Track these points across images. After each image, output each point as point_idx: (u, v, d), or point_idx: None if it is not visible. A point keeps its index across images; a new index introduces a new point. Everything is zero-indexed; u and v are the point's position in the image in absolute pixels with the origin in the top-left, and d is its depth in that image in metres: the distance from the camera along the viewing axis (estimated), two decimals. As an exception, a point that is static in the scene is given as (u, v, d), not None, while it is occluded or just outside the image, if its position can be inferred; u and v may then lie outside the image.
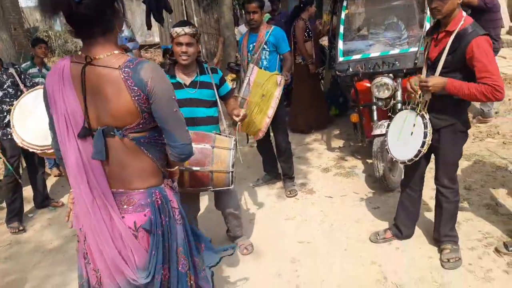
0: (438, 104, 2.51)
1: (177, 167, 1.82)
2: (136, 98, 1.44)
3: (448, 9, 2.36)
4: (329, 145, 5.19)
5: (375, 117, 3.90)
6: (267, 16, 6.38)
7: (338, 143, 5.20)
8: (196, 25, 13.56)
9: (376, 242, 3.01)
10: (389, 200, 3.61)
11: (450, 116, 2.52)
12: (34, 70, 4.52)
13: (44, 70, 4.65)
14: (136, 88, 1.43)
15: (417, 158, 2.56)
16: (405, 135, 2.65)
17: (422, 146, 2.51)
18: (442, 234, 2.79)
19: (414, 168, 2.79)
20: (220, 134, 2.59)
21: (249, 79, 3.31)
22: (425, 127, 2.50)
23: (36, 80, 4.17)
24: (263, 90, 3.38)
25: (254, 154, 4.61)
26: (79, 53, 1.50)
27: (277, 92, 3.41)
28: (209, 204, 3.62)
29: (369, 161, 4.43)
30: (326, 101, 5.93)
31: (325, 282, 2.65)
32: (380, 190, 3.79)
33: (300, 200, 3.80)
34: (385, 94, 3.77)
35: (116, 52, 1.48)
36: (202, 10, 13.31)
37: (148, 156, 1.57)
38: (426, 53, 2.64)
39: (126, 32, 6.61)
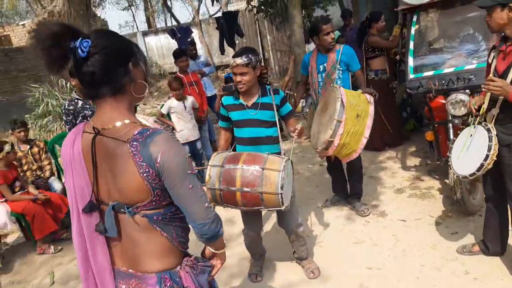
0: (506, 119, 2.44)
1: (222, 250, 1.57)
2: (145, 175, 1.29)
3: (497, 23, 2.41)
4: (404, 163, 4.98)
5: (451, 135, 3.69)
6: (337, 33, 6.36)
7: (414, 161, 4.98)
8: (269, 43, 13.93)
9: (462, 254, 3.00)
10: (468, 225, 3.38)
11: None
12: None
13: None
14: (144, 164, 1.27)
15: (479, 172, 2.48)
16: (470, 149, 2.60)
17: (486, 159, 2.43)
18: None
19: (490, 184, 2.75)
20: (274, 154, 2.64)
21: (341, 100, 3.17)
22: (490, 140, 2.43)
23: None
24: (357, 110, 3.26)
25: (323, 173, 4.59)
26: (91, 120, 1.39)
27: (372, 111, 3.33)
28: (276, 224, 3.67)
29: (448, 181, 4.18)
30: (401, 116, 5.73)
31: (395, 312, 2.56)
32: (458, 213, 3.56)
33: (371, 223, 3.70)
34: (461, 111, 3.56)
35: (126, 121, 1.33)
36: (274, 28, 13.66)
37: (163, 235, 1.39)
38: (493, 66, 2.56)
39: (202, 58, 7.00)
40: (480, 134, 2.55)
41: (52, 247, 4.16)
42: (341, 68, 3.73)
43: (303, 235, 3.05)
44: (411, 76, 3.92)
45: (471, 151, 2.60)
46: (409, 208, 3.84)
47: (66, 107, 3.98)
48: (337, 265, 3.13)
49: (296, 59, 9.03)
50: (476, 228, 3.30)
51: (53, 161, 4.87)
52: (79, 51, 1.25)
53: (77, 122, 3.99)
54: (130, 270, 1.41)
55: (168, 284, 1.39)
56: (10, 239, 4.59)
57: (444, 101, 3.74)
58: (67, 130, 4.04)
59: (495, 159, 2.47)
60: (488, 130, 2.48)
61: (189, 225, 1.44)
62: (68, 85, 9.57)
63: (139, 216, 1.36)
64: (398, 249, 3.23)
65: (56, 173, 4.94)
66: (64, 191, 4.70)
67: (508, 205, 2.71)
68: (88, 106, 4.01)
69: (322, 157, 3.96)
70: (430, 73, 3.84)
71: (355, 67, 3.77)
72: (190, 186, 1.34)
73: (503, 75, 2.43)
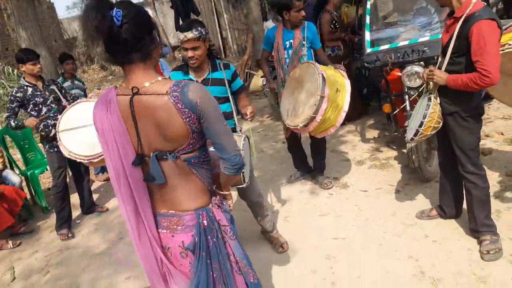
0: (448, 90, 2.58)
1: (229, 192, 1.83)
2: (188, 119, 1.48)
3: None
4: (363, 136, 5.12)
5: (408, 107, 3.81)
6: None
7: (372, 133, 5.13)
8: (226, 22, 13.64)
9: (420, 219, 3.15)
10: (426, 191, 3.53)
11: (459, 101, 2.60)
12: (67, 84, 4.78)
13: (76, 82, 4.89)
14: (186, 110, 1.47)
15: (416, 137, 2.68)
16: (416, 117, 2.78)
17: (421, 126, 2.62)
18: (479, 224, 2.73)
19: (443, 151, 2.93)
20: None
21: (322, 75, 3.17)
22: (427, 108, 2.61)
23: (72, 92, 4.43)
24: (336, 85, 3.29)
25: (287, 150, 4.64)
26: (123, 84, 1.54)
27: (348, 84, 3.38)
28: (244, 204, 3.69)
29: (405, 151, 4.34)
30: (358, 92, 5.84)
31: (361, 278, 2.66)
32: (416, 181, 3.72)
33: (334, 195, 3.80)
34: (417, 83, 3.67)
35: (159, 79, 1.51)
36: (231, 6, 13.44)
37: (197, 176, 1.61)
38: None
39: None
40: (423, 102, 2.72)
41: (10, 242, 3.98)
42: (307, 45, 3.74)
43: (263, 204, 3.10)
44: (368, 50, 3.99)
45: (416, 118, 2.77)
46: (369, 179, 3.97)
47: (14, 93, 3.74)
48: (304, 238, 3.20)
49: (255, 37, 8.99)
50: (433, 194, 3.46)
51: (5, 153, 4.62)
52: (115, 19, 1.38)
53: (29, 110, 3.78)
54: (170, 211, 1.63)
55: (205, 219, 1.61)
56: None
57: (400, 74, 3.84)
58: (4, 118, 3.82)
59: (438, 126, 2.64)
60: (429, 99, 2.64)
61: (222, 159, 1.60)
62: (15, 72, 9.04)
63: (179, 160, 1.56)
64: (361, 218, 3.34)
65: (8, 165, 4.69)
66: (20, 184, 4.48)
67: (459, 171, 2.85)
68: (38, 93, 3.80)
69: (288, 136, 4.00)
70: (386, 46, 3.91)
71: (317, 45, 3.81)
72: (224, 124, 1.57)
73: (446, 47, 2.56)
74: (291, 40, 3.75)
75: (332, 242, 3.10)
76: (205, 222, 1.61)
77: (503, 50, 2.76)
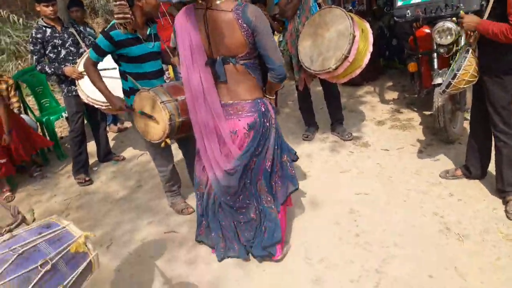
0: (486, 44, 2.52)
1: (273, 96, 2.35)
2: (245, 33, 1.99)
3: None
4: (382, 97, 5.03)
5: (436, 65, 3.70)
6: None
7: (392, 95, 5.03)
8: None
9: (445, 178, 3.12)
10: (449, 153, 3.49)
11: (494, 57, 2.53)
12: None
13: (88, 29, 4.70)
14: (245, 25, 1.96)
15: (448, 90, 2.68)
16: (452, 69, 2.76)
17: (454, 78, 2.60)
18: (506, 183, 2.71)
19: (476, 108, 2.88)
20: None
21: (350, 16, 3.25)
22: (463, 60, 2.58)
23: None
24: (362, 25, 3.33)
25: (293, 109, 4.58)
26: (199, 1, 2.06)
27: (368, 26, 3.43)
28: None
29: (426, 113, 4.28)
30: (377, 50, 5.69)
31: (386, 231, 2.66)
32: (439, 142, 3.67)
33: (354, 154, 3.76)
34: (448, 40, 3.54)
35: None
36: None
37: (253, 76, 2.19)
38: None
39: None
40: (461, 55, 2.68)
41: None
42: None
43: None
44: (399, 3, 3.80)
45: (452, 70, 2.74)
46: (391, 139, 3.92)
47: (34, 35, 3.62)
48: (326, 192, 3.18)
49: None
50: (456, 155, 3.42)
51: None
52: None
53: (47, 52, 3.67)
54: (236, 101, 2.22)
55: (262, 106, 2.23)
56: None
57: (429, 31, 3.71)
58: (34, 62, 3.68)
59: (472, 80, 2.61)
60: (467, 51, 2.60)
61: (269, 69, 2.13)
62: (20, 21, 8.81)
63: (239, 64, 2.13)
64: (384, 176, 3.31)
65: (23, 111, 4.63)
66: (36, 130, 4.45)
67: (491, 131, 2.80)
68: (57, 35, 3.68)
69: (303, 87, 3.94)
70: (418, 0, 3.75)
71: None
72: (272, 39, 2.06)
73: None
74: None
75: (355, 197, 3.08)
76: (262, 108, 2.22)
77: None
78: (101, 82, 2.76)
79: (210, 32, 2.05)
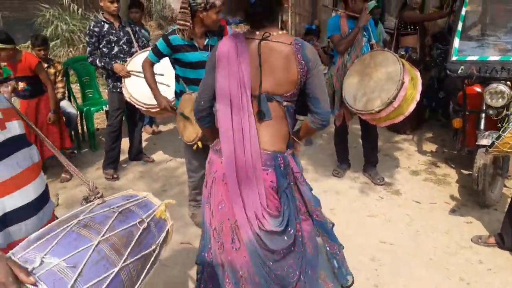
0: None
1: (302, 142, 2.03)
2: (301, 70, 1.73)
3: None
4: (420, 147, 4.91)
5: (482, 126, 3.60)
6: (372, 3, 6.10)
7: (430, 147, 4.91)
8: (290, 4, 13.42)
9: (477, 244, 2.98)
10: (483, 217, 3.34)
11: None
12: None
13: (143, 31, 4.82)
14: (303, 61, 1.72)
15: (491, 149, 2.59)
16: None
17: (498, 138, 2.54)
18: None
19: None
20: None
21: (401, 62, 3.24)
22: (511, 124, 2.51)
23: None
24: (412, 73, 3.30)
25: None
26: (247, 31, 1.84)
27: (419, 75, 3.39)
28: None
29: (464, 172, 4.14)
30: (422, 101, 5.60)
31: (407, 287, 2.54)
32: (474, 205, 3.52)
33: (384, 200, 3.66)
34: (499, 103, 3.45)
35: (281, 32, 1.77)
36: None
37: (288, 124, 1.82)
38: None
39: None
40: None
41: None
42: (367, 36, 3.72)
43: None
44: (454, 58, 3.76)
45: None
46: (424, 191, 3.80)
47: (92, 27, 3.76)
48: (349, 234, 3.08)
49: (321, 25, 8.77)
50: (490, 221, 3.27)
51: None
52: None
53: (101, 46, 3.79)
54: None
55: (281, 162, 1.78)
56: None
57: (480, 90, 3.64)
58: (87, 53, 3.81)
59: None
60: None
61: (314, 112, 1.80)
62: (79, 11, 9.18)
63: (281, 105, 1.78)
64: (412, 228, 3.20)
65: (66, 98, 4.77)
66: (76, 117, 4.55)
67: None
68: (113, 31, 3.80)
69: (340, 125, 3.90)
70: (474, 58, 3.69)
71: (375, 38, 3.77)
72: (324, 84, 1.82)
73: None
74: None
75: (379, 245, 2.98)
76: (281, 164, 1.78)
77: None
78: (153, 80, 2.95)
79: (262, 65, 1.72)
